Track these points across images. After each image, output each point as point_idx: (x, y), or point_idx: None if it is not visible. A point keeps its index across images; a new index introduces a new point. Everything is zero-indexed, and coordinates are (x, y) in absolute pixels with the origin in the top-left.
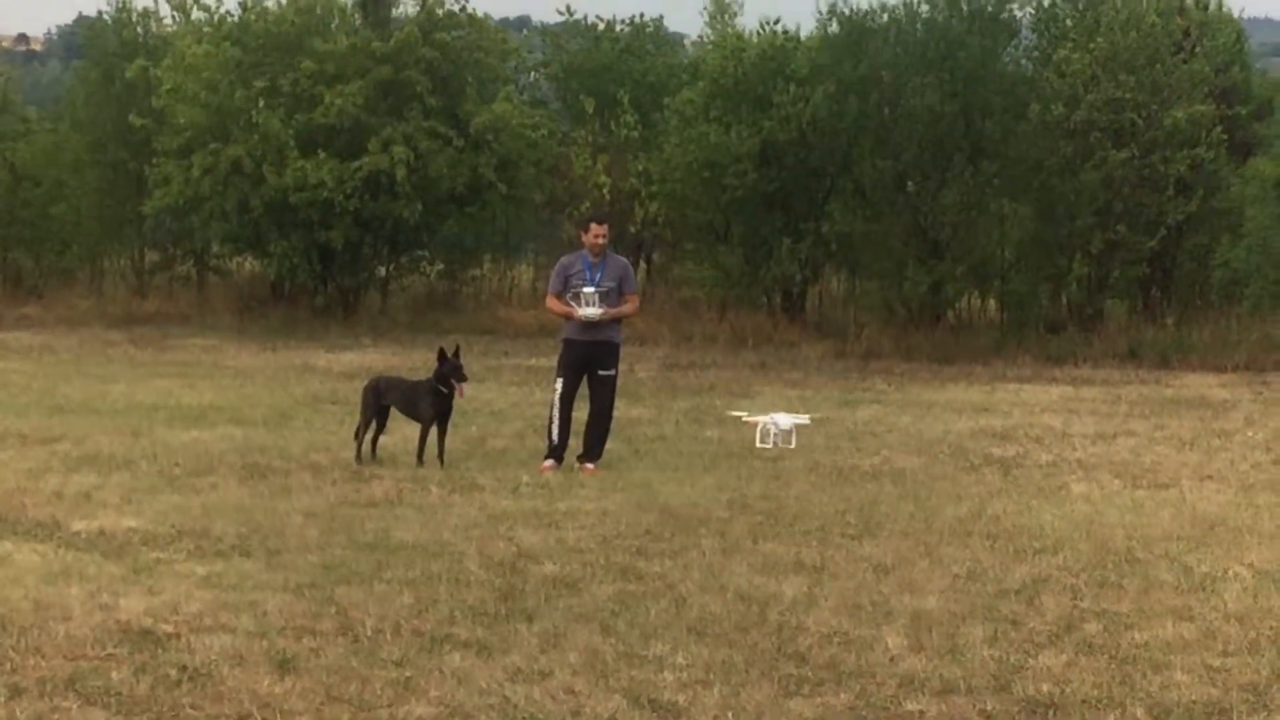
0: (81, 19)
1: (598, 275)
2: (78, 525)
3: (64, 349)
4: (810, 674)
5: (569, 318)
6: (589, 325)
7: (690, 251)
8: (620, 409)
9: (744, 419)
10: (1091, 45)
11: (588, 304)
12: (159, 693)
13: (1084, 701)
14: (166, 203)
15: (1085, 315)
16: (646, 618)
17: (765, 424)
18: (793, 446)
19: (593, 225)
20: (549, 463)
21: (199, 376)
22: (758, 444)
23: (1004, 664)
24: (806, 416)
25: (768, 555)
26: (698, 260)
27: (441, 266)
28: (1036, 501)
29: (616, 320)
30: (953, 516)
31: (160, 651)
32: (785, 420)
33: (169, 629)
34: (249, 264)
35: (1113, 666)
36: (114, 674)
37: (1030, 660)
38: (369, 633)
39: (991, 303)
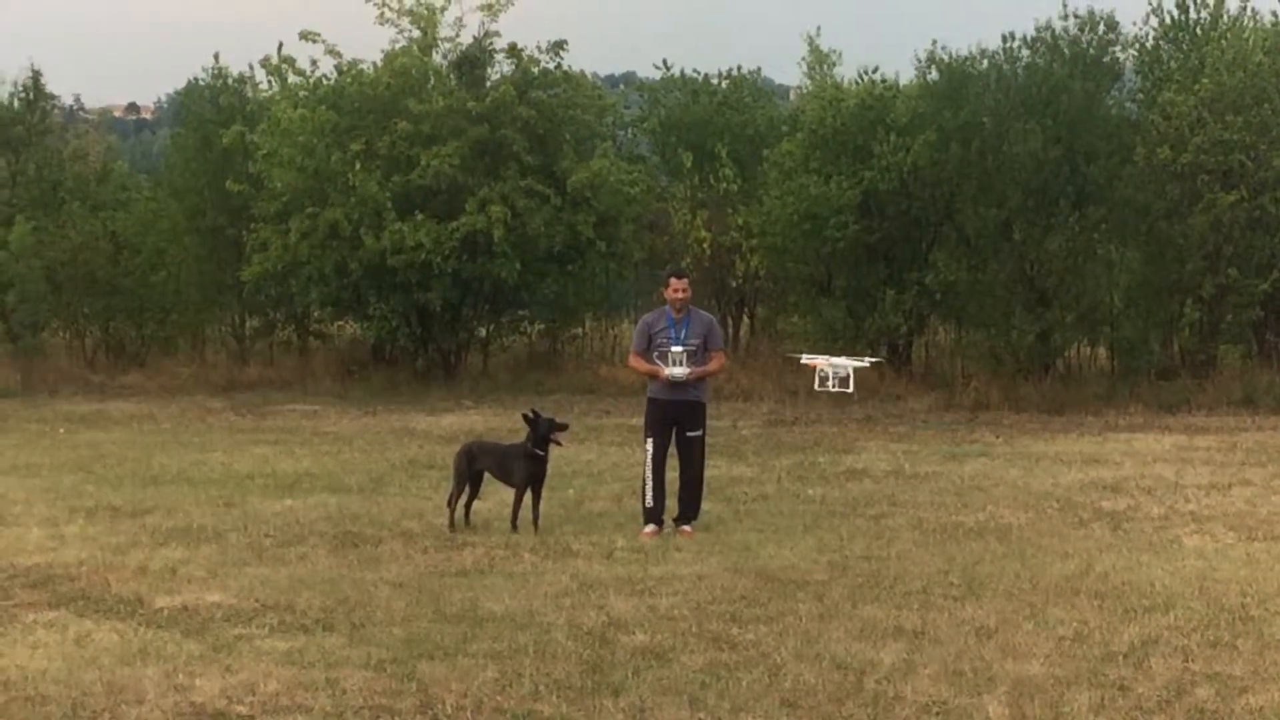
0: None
1: (682, 333)
2: (161, 601)
3: (164, 418)
4: None
5: (654, 376)
6: (675, 384)
7: (793, 304)
8: (722, 467)
9: (802, 360)
10: (1196, 86)
11: (675, 363)
12: None
13: None
14: (265, 268)
15: (1198, 361)
16: (738, 689)
17: (823, 368)
18: (850, 391)
19: (672, 280)
20: (650, 528)
21: (297, 443)
22: (815, 388)
23: None
24: (868, 360)
25: (867, 620)
26: (801, 313)
27: (542, 326)
28: (1147, 557)
29: (703, 379)
30: (1059, 575)
31: None
32: (843, 363)
33: (243, 710)
34: (350, 328)
35: None
36: None
37: None
38: (449, 711)
39: (1101, 350)
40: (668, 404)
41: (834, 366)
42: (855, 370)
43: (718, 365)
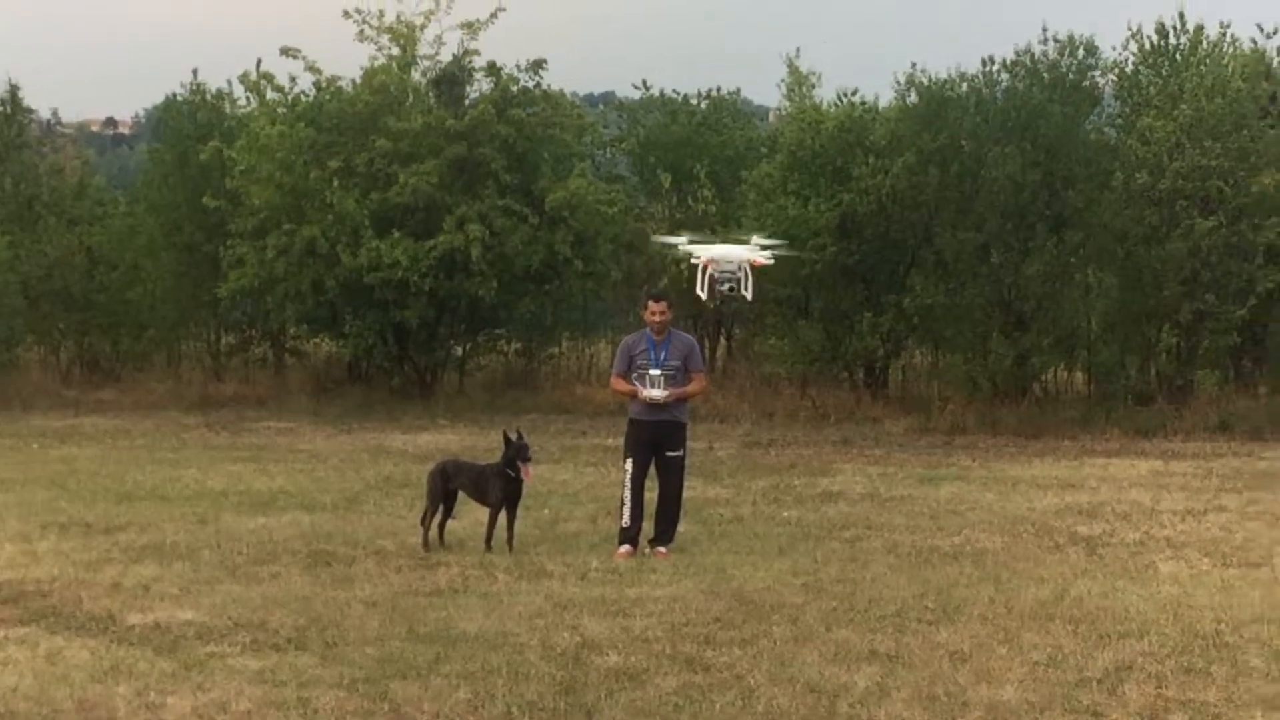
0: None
1: (662, 355)
2: (133, 619)
3: (139, 433)
4: None
5: (634, 397)
6: (655, 405)
7: (770, 326)
8: (698, 488)
9: (667, 241)
10: (1176, 112)
11: (653, 385)
12: None
13: None
14: (241, 285)
15: (1175, 386)
16: (711, 712)
17: (714, 266)
18: (749, 296)
19: (650, 303)
20: (625, 549)
21: (272, 460)
22: (699, 292)
23: None
24: (755, 244)
25: (841, 643)
26: (778, 335)
27: (519, 345)
28: (1122, 582)
29: (683, 400)
30: (1034, 599)
31: None
32: (734, 256)
33: None
34: (326, 345)
35: None
36: None
37: None
38: None
39: (1078, 375)
40: (648, 425)
41: (721, 266)
42: (751, 267)
43: (698, 387)
